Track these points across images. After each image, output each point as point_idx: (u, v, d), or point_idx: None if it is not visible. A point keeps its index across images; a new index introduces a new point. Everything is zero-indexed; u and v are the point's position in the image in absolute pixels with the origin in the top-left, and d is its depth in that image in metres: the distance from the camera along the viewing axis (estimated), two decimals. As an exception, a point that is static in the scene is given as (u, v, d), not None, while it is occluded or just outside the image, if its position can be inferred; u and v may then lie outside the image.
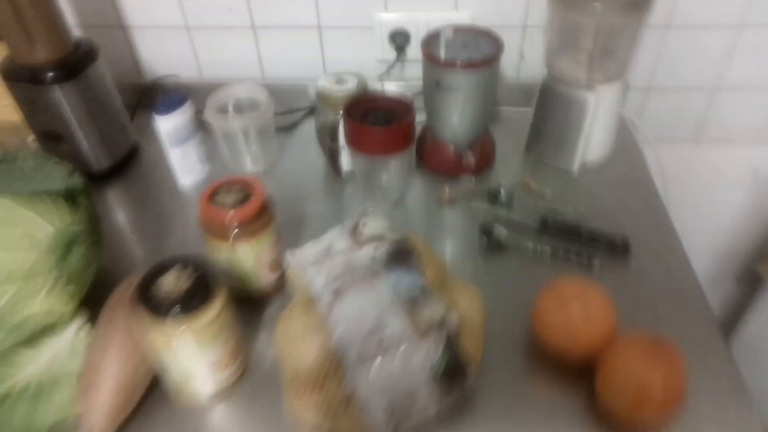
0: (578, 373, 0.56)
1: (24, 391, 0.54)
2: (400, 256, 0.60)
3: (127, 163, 0.87)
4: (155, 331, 0.48)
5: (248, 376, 0.58)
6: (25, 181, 0.58)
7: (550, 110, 0.81)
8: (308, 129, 0.93)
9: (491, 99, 0.79)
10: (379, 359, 0.48)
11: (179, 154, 0.80)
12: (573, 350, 0.55)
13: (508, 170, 0.83)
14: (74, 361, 0.56)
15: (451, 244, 0.73)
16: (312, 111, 0.96)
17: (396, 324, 0.50)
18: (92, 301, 0.61)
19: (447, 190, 0.78)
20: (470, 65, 0.71)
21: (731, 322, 1.16)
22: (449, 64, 0.72)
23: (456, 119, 0.77)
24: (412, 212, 0.78)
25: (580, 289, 0.56)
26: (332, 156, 0.81)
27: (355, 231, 0.67)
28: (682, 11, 0.87)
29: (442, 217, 0.77)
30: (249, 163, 0.83)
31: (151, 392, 0.56)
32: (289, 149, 0.90)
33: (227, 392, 0.56)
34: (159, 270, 0.50)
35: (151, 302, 0.48)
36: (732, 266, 1.17)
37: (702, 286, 0.66)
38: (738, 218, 1.11)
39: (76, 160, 0.80)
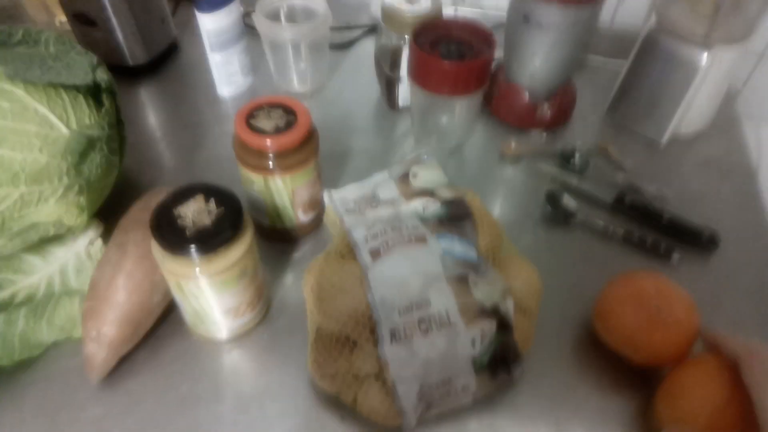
0: (636, 378, 0.48)
1: (26, 302, 0.50)
2: (454, 219, 0.52)
3: (163, 61, 0.79)
4: (169, 265, 0.42)
5: (269, 319, 0.52)
6: (44, 69, 0.51)
7: (649, 66, 0.68)
8: (364, 51, 0.83)
9: (583, 44, 0.67)
10: (417, 340, 0.41)
11: (220, 60, 0.71)
12: (638, 355, 0.47)
13: (585, 131, 0.73)
14: (81, 279, 0.52)
15: (508, 208, 0.64)
16: (372, 30, 0.85)
17: (442, 303, 0.43)
18: (108, 213, 0.55)
19: (513, 144, 0.68)
20: (570, 0, 0.59)
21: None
22: (545, -4, 0.60)
23: (539, 63, 0.66)
24: (469, 164, 0.68)
25: (658, 288, 0.48)
26: (389, 86, 0.71)
27: (404, 180, 0.59)
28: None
29: (502, 174, 0.67)
30: (295, 81, 0.74)
31: (161, 322, 0.51)
32: (341, 72, 0.80)
33: (243, 337, 0.51)
34: (181, 196, 0.43)
35: (167, 233, 0.41)
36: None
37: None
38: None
39: (108, 51, 0.72)
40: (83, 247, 0.52)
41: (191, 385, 0.48)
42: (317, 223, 0.59)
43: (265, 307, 0.52)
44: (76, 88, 0.52)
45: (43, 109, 0.48)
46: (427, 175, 0.58)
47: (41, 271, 0.51)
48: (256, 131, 0.49)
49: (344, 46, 0.83)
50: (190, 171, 0.66)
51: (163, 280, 0.46)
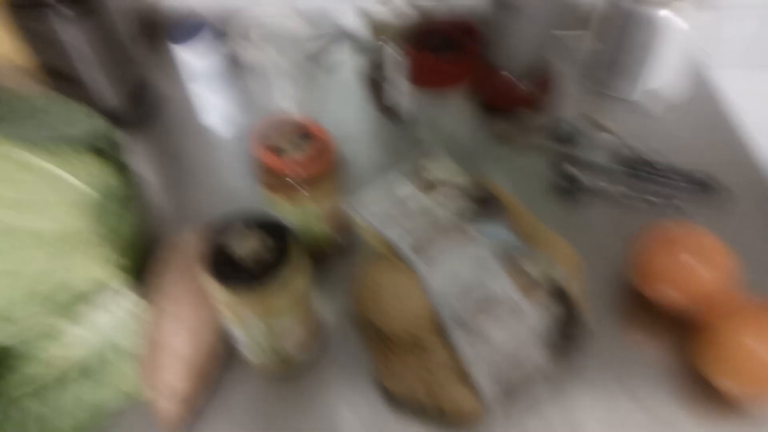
0: (684, 328, 0.51)
1: (82, 370, 0.48)
2: (480, 204, 0.53)
3: (140, 103, 0.77)
4: (226, 302, 0.42)
5: (324, 341, 0.53)
6: (36, 124, 0.49)
7: (611, 30, 0.72)
8: (347, 60, 0.83)
9: (554, 21, 0.70)
10: (485, 324, 0.43)
11: (202, 90, 0.70)
12: (685, 295, 0.49)
13: (569, 104, 0.76)
14: (127, 337, 0.50)
15: (513, 188, 0.66)
16: (339, 38, 0.85)
17: (499, 284, 0.44)
18: (137, 266, 0.54)
19: (504, 126, 0.71)
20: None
21: None
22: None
23: (518, 45, 0.69)
24: (468, 151, 0.70)
25: (690, 233, 0.51)
26: (376, 90, 0.72)
27: (417, 174, 0.60)
28: None
29: (501, 157, 0.70)
30: (282, 100, 0.74)
31: (225, 367, 0.50)
32: (329, 83, 0.80)
33: (306, 364, 0.51)
34: (228, 231, 0.43)
35: (221, 270, 0.41)
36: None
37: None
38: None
39: (86, 101, 0.70)
40: (123, 307, 0.51)
41: (265, 423, 0.48)
42: (347, 238, 0.59)
43: (322, 331, 0.52)
44: (77, 141, 0.50)
45: (50, 166, 0.46)
46: (438, 167, 0.60)
47: (87, 337, 0.50)
48: (283, 155, 0.49)
49: (325, 59, 0.83)
50: (195, 209, 0.65)
51: (219, 320, 0.45)
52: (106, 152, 0.52)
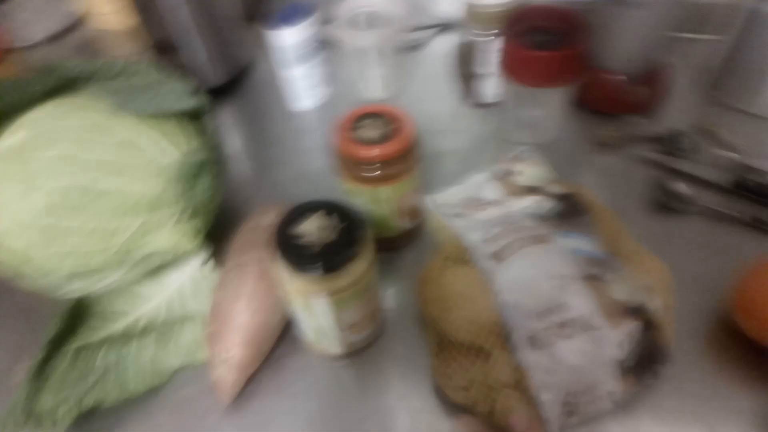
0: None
1: (149, 329, 0.50)
2: (571, 215, 0.49)
3: (237, 81, 0.80)
4: (295, 283, 0.42)
5: (383, 331, 0.51)
6: (148, 97, 0.52)
7: (756, 40, 0.64)
8: (434, 50, 0.81)
9: (675, 20, 0.63)
10: (560, 346, 0.39)
11: (298, 73, 0.71)
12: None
13: (684, 113, 0.68)
14: (198, 300, 0.52)
15: (611, 199, 0.61)
16: (444, 28, 0.83)
17: (582, 305, 0.41)
18: (213, 233, 0.56)
19: (611, 132, 0.65)
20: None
21: None
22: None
23: (632, 44, 0.63)
24: (565, 157, 0.66)
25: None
26: (471, 83, 0.70)
27: (507, 178, 0.57)
28: None
29: (601, 165, 0.64)
30: (377, 87, 0.73)
31: (279, 341, 0.51)
32: (414, 74, 0.79)
33: (361, 351, 0.50)
34: (300, 213, 0.43)
35: (292, 252, 0.41)
36: None
37: None
38: None
39: (188, 74, 0.74)
40: (197, 269, 0.53)
41: (317, 403, 0.47)
42: (418, 230, 0.58)
43: (381, 320, 0.51)
44: (181, 113, 0.52)
45: (156, 135, 0.49)
46: (532, 172, 0.56)
47: (159, 297, 0.52)
48: (360, 142, 0.48)
49: (414, 47, 0.82)
50: (282, 188, 0.66)
51: (282, 299, 0.45)
52: (201, 124, 0.54)
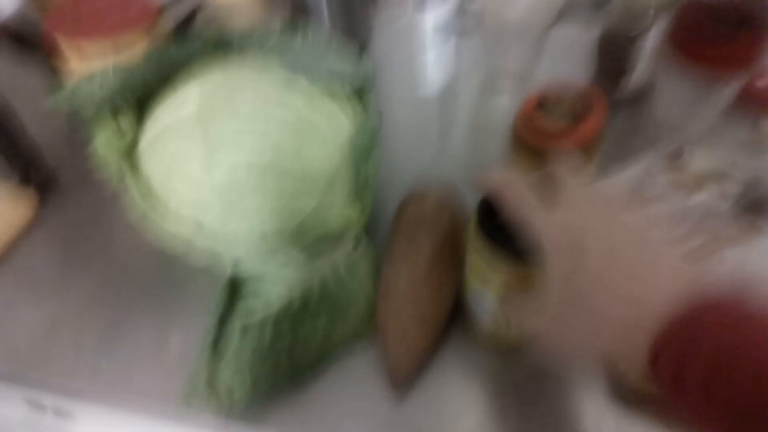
0: None
1: (310, 302, 0.47)
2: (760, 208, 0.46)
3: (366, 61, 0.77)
4: (496, 273, 0.39)
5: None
6: (316, 60, 0.48)
7: None
8: (564, 32, 0.77)
9: None
10: None
11: (434, 56, 0.68)
12: None
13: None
14: (355, 280, 0.49)
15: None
16: (599, 5, 0.79)
17: None
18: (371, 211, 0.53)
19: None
20: None
21: None
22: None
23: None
24: (717, 154, 0.62)
25: None
26: (620, 71, 0.66)
27: (676, 163, 0.53)
28: None
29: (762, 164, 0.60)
30: (519, 66, 0.70)
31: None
32: (555, 53, 0.74)
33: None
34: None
35: (504, 242, 0.38)
36: None
37: None
38: None
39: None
40: (350, 247, 0.50)
41: (494, 397, 0.45)
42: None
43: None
44: (345, 87, 0.49)
45: (328, 112, 0.46)
46: (703, 159, 0.52)
47: (315, 272, 0.49)
48: (552, 119, 0.45)
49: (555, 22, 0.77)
50: (439, 167, 0.63)
51: (453, 280, 0.43)
52: (364, 97, 0.51)
